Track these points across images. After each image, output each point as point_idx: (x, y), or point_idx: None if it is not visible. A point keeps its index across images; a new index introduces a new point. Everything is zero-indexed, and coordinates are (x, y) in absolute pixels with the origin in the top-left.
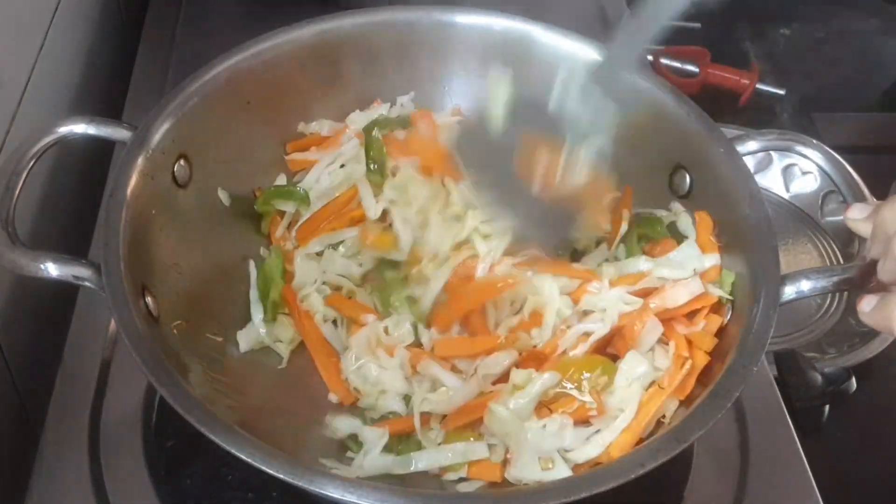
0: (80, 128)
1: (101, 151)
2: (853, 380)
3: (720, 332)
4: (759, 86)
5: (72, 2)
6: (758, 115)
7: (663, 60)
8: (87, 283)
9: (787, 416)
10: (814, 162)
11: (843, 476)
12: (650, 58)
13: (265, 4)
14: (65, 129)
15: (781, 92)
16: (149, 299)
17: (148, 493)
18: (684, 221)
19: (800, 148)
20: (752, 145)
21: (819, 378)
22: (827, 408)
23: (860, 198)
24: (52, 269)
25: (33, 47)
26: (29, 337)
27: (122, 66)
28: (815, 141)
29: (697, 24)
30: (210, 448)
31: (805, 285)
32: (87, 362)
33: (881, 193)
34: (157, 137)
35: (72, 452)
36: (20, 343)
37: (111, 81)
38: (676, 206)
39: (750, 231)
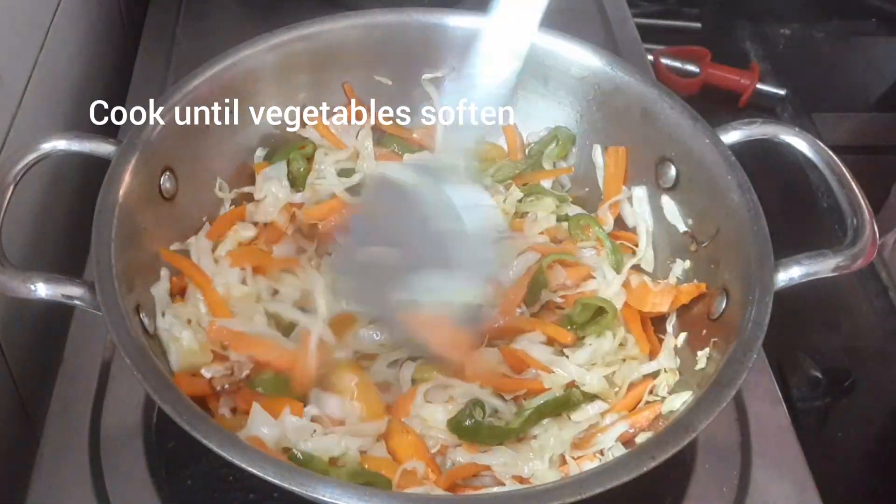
0: (63, 144)
1: (97, 168)
2: (853, 380)
3: (719, 321)
4: (759, 86)
5: (72, 2)
6: (758, 115)
7: (663, 60)
8: (78, 303)
9: (787, 416)
10: (799, 151)
11: (843, 476)
12: (650, 58)
13: (265, 5)
14: (48, 146)
15: (781, 92)
16: (143, 315)
17: (149, 493)
18: (672, 214)
19: (784, 136)
20: (735, 135)
21: (819, 378)
22: (827, 408)
23: (846, 185)
24: (41, 290)
25: (34, 47)
26: (29, 337)
27: (122, 67)
28: (797, 129)
29: (697, 24)
30: (211, 449)
31: (796, 271)
32: (87, 362)
33: (881, 193)
34: (141, 151)
35: (72, 452)
36: (20, 343)
37: (111, 81)
38: (664, 199)
39: (740, 219)
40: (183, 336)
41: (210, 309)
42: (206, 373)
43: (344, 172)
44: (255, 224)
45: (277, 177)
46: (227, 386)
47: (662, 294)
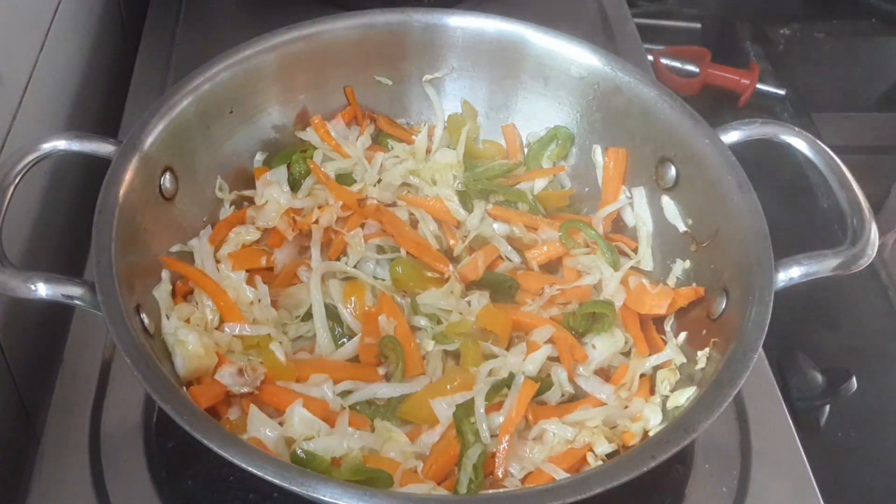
0: (63, 144)
1: (97, 168)
2: (853, 380)
3: (718, 321)
4: (759, 86)
5: (72, 2)
6: (758, 115)
7: (663, 60)
8: (78, 303)
9: (788, 416)
10: (799, 151)
11: (843, 476)
12: (650, 58)
13: (265, 4)
14: (48, 146)
15: (781, 92)
16: (143, 315)
17: (149, 493)
18: (672, 214)
19: (784, 136)
20: (735, 135)
21: (819, 378)
22: (827, 408)
23: (846, 185)
24: (42, 290)
25: (34, 47)
26: (29, 337)
27: (122, 66)
28: (797, 129)
29: (697, 25)
30: (211, 449)
31: (796, 271)
32: (87, 362)
33: (881, 193)
34: (141, 151)
35: (72, 452)
36: (21, 343)
37: (111, 81)
38: (664, 199)
39: (740, 219)
40: (189, 340)
41: (222, 314)
42: (222, 379)
43: (341, 178)
44: (258, 227)
45: (278, 182)
46: (243, 390)
47: (660, 296)
